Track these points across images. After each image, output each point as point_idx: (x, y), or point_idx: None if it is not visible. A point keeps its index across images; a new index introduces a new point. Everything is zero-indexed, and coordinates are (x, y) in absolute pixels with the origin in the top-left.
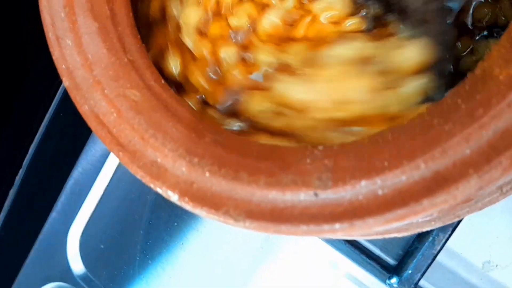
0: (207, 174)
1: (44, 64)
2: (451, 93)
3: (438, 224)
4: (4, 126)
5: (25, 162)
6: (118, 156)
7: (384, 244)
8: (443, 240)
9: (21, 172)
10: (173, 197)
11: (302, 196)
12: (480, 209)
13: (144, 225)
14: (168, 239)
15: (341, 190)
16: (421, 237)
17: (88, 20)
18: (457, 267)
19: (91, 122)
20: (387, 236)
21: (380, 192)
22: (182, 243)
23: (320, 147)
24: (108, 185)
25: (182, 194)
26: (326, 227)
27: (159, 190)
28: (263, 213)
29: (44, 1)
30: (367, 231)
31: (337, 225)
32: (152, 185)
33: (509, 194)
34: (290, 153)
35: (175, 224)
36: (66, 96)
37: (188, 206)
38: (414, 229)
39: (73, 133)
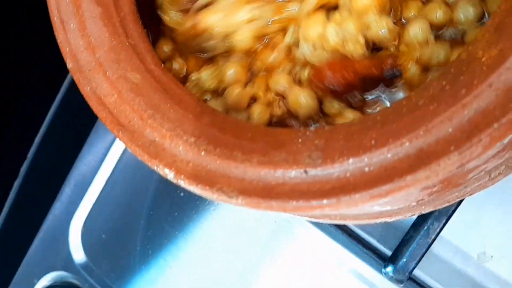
0: (203, 153)
1: (49, 56)
2: (438, 77)
3: (429, 208)
4: (10, 117)
5: (30, 154)
6: (117, 135)
7: (381, 234)
8: (438, 229)
9: (26, 163)
10: (170, 174)
11: (292, 174)
12: (470, 194)
13: (145, 215)
14: (168, 229)
15: (329, 168)
16: (416, 226)
17: (92, 5)
18: (452, 258)
19: (92, 103)
20: (378, 220)
21: (366, 169)
22: (183, 233)
23: (312, 128)
24: (110, 176)
25: (178, 172)
26: (314, 203)
27: (156, 168)
28: (255, 190)
29: None
30: (355, 209)
31: (324, 201)
32: (149, 164)
33: (498, 180)
34: (283, 134)
35: (176, 214)
36: (71, 88)
37: (183, 184)
38: (405, 213)
39: (77, 125)
